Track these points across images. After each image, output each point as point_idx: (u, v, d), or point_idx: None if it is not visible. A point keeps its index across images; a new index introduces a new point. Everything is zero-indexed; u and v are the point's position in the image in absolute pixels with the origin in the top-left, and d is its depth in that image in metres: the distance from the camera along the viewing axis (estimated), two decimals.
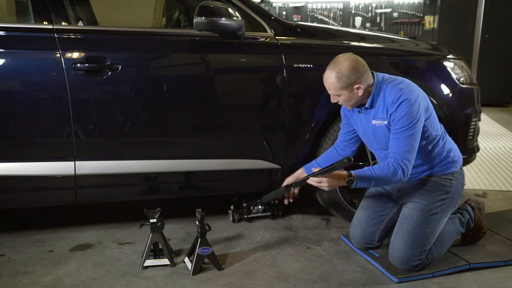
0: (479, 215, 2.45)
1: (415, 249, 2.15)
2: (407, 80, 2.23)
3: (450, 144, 2.32)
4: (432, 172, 2.27)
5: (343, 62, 2.14)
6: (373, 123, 2.23)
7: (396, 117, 2.12)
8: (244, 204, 2.77)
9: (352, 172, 2.10)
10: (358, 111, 2.29)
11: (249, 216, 2.78)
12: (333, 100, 2.26)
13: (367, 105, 2.22)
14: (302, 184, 2.24)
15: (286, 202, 2.49)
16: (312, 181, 2.11)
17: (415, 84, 2.22)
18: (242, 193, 2.83)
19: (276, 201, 2.79)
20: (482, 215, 2.48)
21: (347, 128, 2.44)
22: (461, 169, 2.33)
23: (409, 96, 2.10)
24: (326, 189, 2.10)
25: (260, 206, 2.80)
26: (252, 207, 2.79)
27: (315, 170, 2.12)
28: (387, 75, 2.25)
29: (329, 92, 2.23)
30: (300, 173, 2.45)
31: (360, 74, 2.14)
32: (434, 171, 2.26)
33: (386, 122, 2.18)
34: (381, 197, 2.41)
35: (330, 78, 2.16)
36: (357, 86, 2.15)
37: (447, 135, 2.33)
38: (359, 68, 2.14)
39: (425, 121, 2.16)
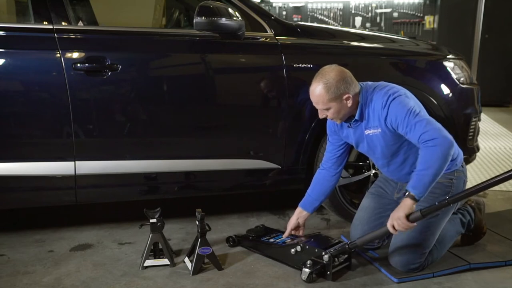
0: (480, 215, 2.44)
1: (415, 253, 2.13)
2: (391, 84, 2.18)
3: None
4: None
5: (330, 73, 2.08)
6: (366, 133, 2.18)
7: (392, 116, 2.05)
8: (326, 256, 2.09)
9: (409, 190, 1.95)
10: (348, 126, 2.23)
11: (333, 271, 2.11)
12: (321, 115, 2.17)
13: (356, 117, 2.16)
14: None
15: None
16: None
17: (400, 86, 2.17)
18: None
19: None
20: (483, 215, 2.47)
21: (336, 142, 2.34)
22: (462, 166, 2.27)
23: (395, 95, 2.07)
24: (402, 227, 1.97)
25: (345, 255, 2.17)
26: (336, 259, 2.12)
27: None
28: (370, 83, 2.19)
29: (317, 106, 2.14)
30: (298, 212, 2.38)
31: (348, 83, 2.08)
32: None
33: (379, 130, 2.12)
34: (381, 197, 2.39)
35: (318, 90, 2.07)
36: (346, 96, 2.08)
37: None
38: (346, 78, 2.08)
39: None
